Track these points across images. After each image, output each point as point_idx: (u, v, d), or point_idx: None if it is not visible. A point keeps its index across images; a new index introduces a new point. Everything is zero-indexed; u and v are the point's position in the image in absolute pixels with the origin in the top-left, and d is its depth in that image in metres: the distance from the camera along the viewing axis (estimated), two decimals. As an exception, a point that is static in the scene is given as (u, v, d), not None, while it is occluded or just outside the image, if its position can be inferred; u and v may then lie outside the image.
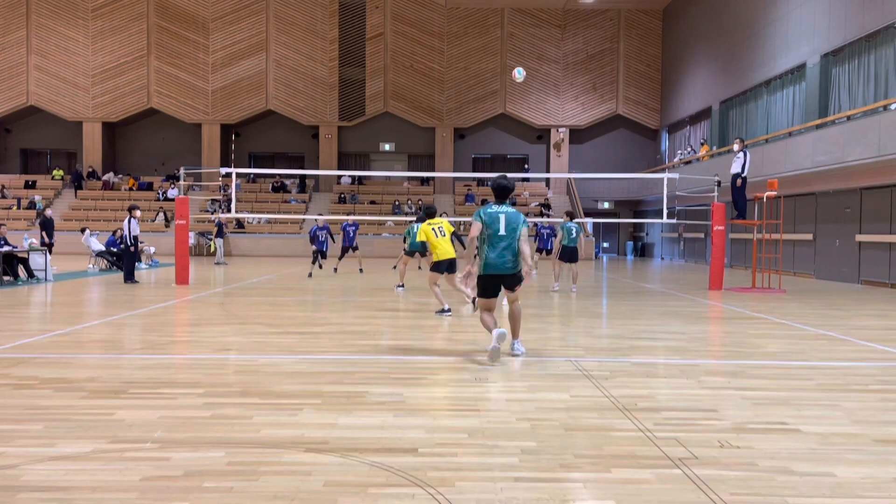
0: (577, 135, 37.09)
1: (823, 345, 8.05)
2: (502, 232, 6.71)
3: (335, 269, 19.23)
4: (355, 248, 18.78)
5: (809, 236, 20.34)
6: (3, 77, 34.79)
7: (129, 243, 15.41)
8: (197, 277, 17.18)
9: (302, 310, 10.83)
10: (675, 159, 32.08)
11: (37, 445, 4.07)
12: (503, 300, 7.26)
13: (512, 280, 6.81)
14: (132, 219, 15.31)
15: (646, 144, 37.17)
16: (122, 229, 16.21)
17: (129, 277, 15.39)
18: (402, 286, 14.41)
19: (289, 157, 37.42)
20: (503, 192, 6.87)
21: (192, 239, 27.79)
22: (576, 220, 14.70)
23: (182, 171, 17.36)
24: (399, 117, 36.38)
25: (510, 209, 6.86)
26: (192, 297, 12.56)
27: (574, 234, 14.22)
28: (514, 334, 7.06)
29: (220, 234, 24.61)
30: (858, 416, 4.91)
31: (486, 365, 6.48)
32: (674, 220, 20.58)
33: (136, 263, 20.62)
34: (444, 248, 10.33)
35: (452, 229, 10.50)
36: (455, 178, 35.77)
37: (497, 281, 6.81)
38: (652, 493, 3.44)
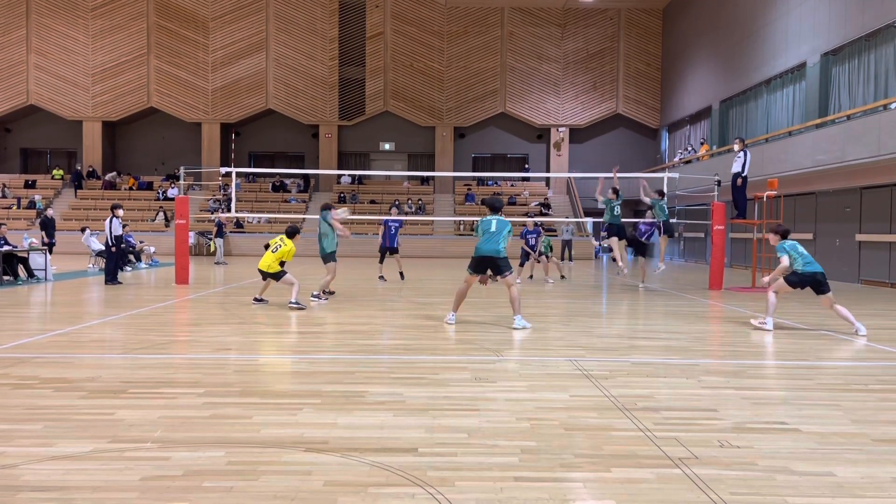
0: (577, 134, 37.07)
1: (823, 345, 8.05)
2: (493, 229, 9.07)
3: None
4: None
5: (809, 236, 20.33)
6: (3, 76, 34.79)
7: (110, 243, 14.79)
8: (197, 277, 17.18)
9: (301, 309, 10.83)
10: (675, 159, 32.05)
11: (36, 445, 4.07)
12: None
13: (500, 264, 8.96)
14: (114, 218, 14.78)
15: (646, 144, 37.15)
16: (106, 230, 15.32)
17: (112, 279, 14.80)
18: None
19: (289, 156, 37.41)
20: (495, 208, 9.39)
21: (191, 239, 27.80)
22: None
23: (182, 170, 17.33)
24: (399, 116, 36.38)
25: (499, 217, 9.23)
26: (192, 297, 12.57)
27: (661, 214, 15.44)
28: (514, 311, 8.96)
29: (219, 233, 24.61)
30: (858, 416, 4.91)
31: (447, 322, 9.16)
32: (674, 220, 20.59)
33: (136, 263, 20.73)
34: (264, 261, 11.32)
35: (290, 248, 11.27)
36: (455, 178, 35.76)
37: (485, 263, 9.00)
38: (652, 493, 3.44)
